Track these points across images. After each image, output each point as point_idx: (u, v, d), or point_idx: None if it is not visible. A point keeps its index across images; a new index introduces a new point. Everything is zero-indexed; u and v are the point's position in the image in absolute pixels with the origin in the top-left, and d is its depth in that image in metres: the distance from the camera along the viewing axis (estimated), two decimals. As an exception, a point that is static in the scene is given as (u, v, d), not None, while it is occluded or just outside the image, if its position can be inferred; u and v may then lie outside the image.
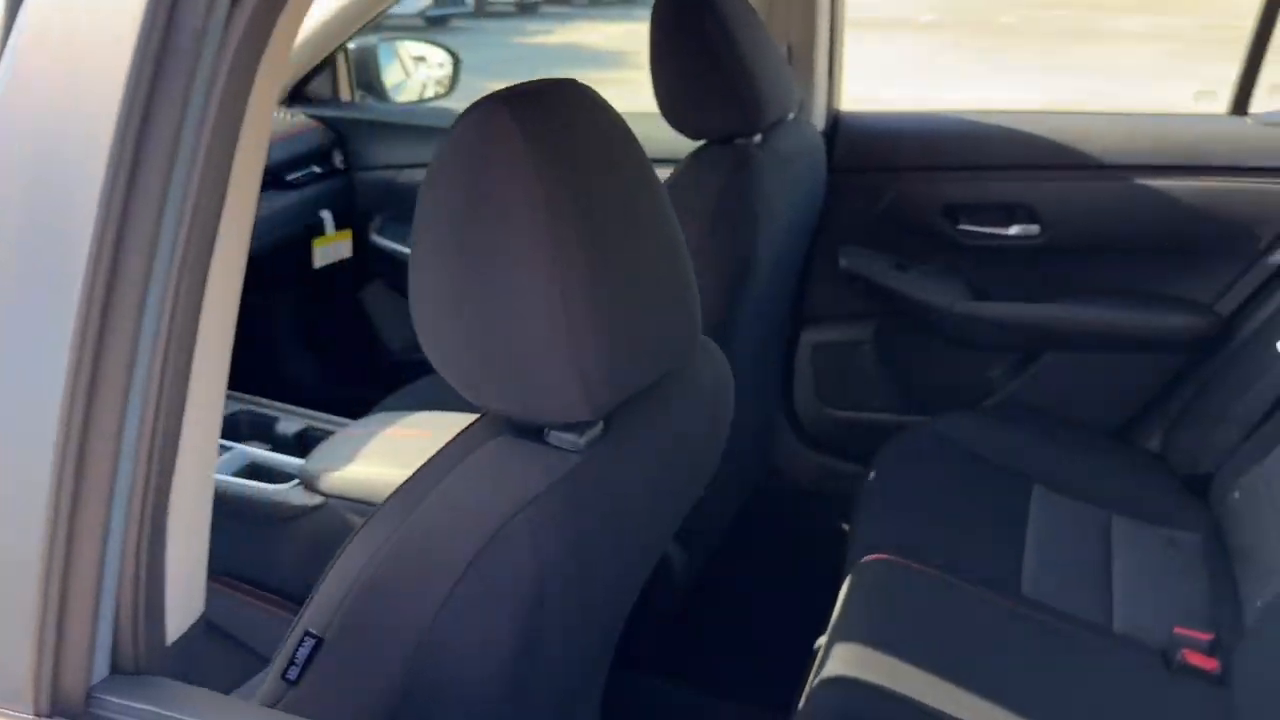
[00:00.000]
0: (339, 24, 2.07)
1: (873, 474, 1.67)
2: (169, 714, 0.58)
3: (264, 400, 1.76)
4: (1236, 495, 1.60)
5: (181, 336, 0.53)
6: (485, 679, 0.69)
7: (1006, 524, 1.60)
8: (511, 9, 13.73)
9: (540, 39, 12.44)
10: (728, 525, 1.84)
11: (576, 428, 0.75)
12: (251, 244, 2.12)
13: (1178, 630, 1.41)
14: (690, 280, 0.86)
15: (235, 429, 1.72)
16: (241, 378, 1.83)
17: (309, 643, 0.69)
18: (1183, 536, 1.64)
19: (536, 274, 0.70)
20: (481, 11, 13.36)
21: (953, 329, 1.89)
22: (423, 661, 0.67)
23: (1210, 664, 1.38)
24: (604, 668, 1.14)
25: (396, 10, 11.27)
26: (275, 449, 1.64)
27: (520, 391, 0.73)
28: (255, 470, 1.57)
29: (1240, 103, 1.76)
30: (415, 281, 0.75)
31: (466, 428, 0.79)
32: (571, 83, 0.81)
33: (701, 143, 1.48)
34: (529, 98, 0.74)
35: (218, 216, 0.56)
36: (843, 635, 1.33)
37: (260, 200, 2.16)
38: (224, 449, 1.61)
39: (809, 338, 2.04)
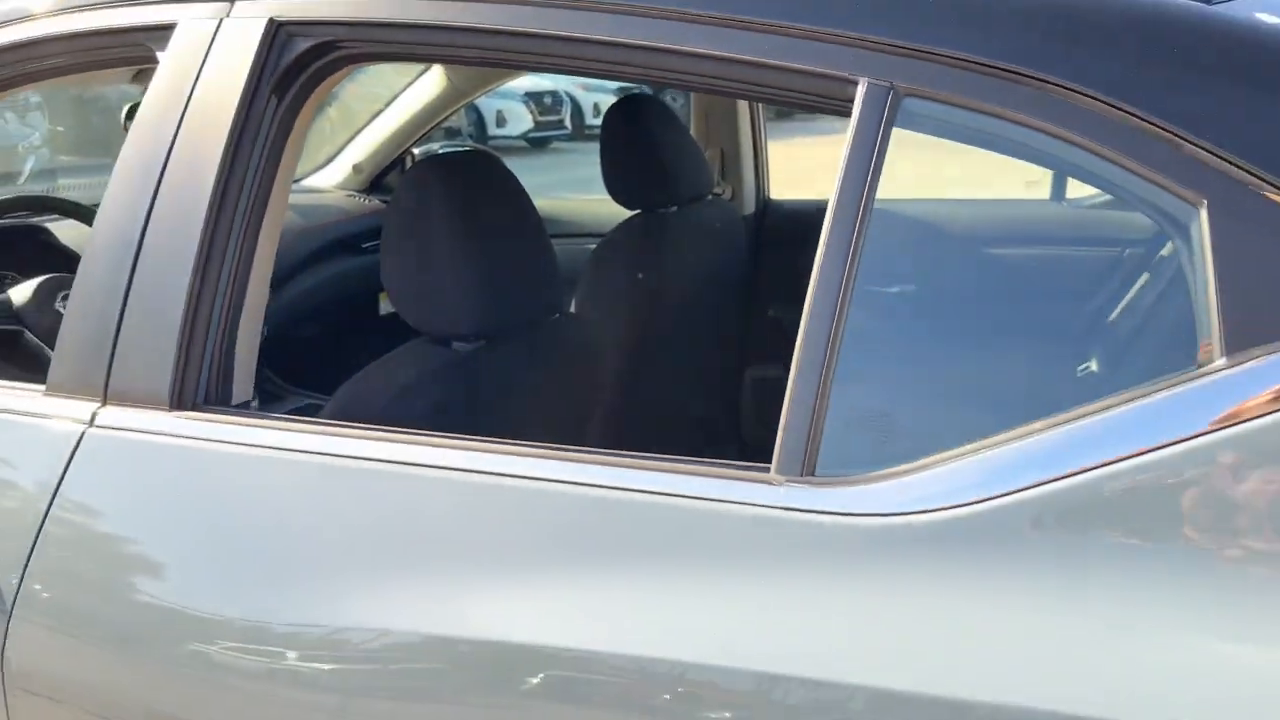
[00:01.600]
0: (404, 132, 2.78)
1: None
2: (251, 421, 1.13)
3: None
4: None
5: (249, 249, 1.14)
6: None
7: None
8: (609, 132, 14.86)
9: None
10: None
11: (466, 339, 1.35)
12: (330, 292, 2.83)
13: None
14: (551, 271, 1.47)
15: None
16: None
17: None
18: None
19: (443, 253, 1.32)
20: (580, 134, 14.50)
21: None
22: None
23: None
24: None
25: (503, 132, 12.13)
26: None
27: (429, 316, 1.34)
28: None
29: (1057, 191, 2.30)
30: (384, 256, 1.37)
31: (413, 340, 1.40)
32: (480, 151, 1.44)
33: (635, 212, 2.10)
34: (446, 159, 1.37)
35: (264, 204, 1.17)
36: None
37: (341, 259, 2.88)
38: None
39: (751, 374, 2.60)
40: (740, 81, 0.92)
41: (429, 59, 1.98)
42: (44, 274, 1.89)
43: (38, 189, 4.47)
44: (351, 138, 2.93)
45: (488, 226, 1.36)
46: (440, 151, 2.93)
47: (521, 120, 13.29)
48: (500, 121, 13.27)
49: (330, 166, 2.95)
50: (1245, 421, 0.65)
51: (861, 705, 0.70)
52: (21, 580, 1.08)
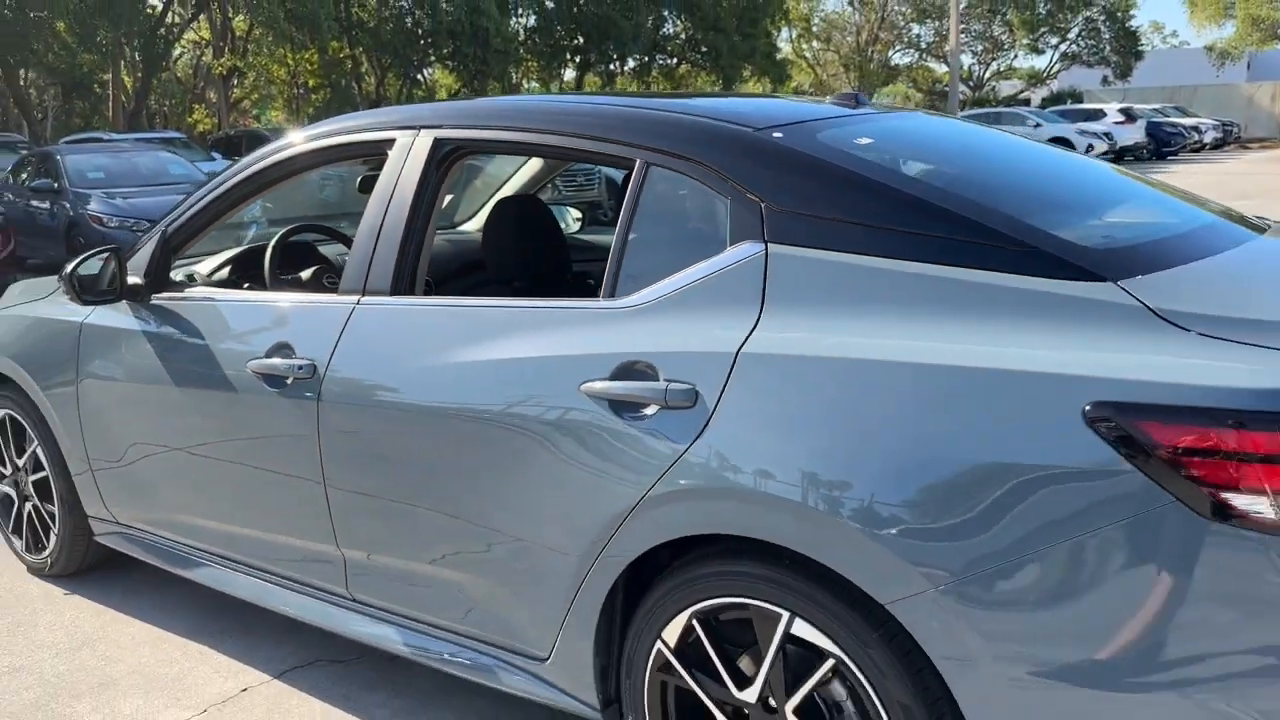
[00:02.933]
0: (525, 189, 4.36)
1: None
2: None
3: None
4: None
5: (421, 237, 2.67)
6: None
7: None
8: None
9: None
10: None
11: (520, 280, 2.89)
12: (469, 294, 4.52)
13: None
14: (561, 250, 2.98)
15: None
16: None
17: None
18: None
19: (505, 237, 2.87)
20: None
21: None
22: None
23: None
24: None
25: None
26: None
27: (501, 267, 2.89)
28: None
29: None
30: (482, 240, 2.92)
31: None
32: (531, 196, 3.00)
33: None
34: (513, 198, 2.92)
35: (430, 215, 2.71)
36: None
37: (477, 274, 4.60)
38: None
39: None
40: (604, 159, 2.43)
41: (506, 154, 3.60)
42: (314, 267, 3.54)
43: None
44: (492, 195, 4.54)
45: (526, 227, 2.89)
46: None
47: (662, 189, 14.93)
48: (643, 190, 14.93)
49: (478, 215, 4.57)
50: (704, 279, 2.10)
51: (576, 368, 2.18)
52: (327, 368, 2.65)
